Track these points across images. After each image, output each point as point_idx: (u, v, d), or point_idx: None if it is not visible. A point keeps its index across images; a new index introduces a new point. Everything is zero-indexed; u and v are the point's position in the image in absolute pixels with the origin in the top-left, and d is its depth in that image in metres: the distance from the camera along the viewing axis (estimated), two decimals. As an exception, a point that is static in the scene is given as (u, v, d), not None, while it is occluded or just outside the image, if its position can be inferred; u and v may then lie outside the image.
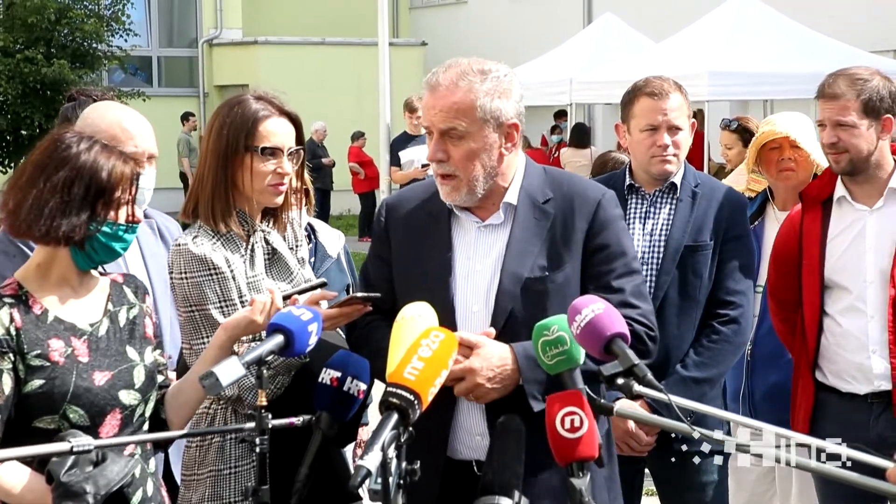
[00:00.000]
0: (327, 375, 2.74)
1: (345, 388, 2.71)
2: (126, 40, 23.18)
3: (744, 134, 7.57)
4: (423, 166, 13.05)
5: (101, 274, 3.15)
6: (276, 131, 3.46)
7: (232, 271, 3.41)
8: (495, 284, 3.30)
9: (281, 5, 27.45)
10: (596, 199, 3.38)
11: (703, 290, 4.20)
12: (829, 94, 4.09)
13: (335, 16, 26.87)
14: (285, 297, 3.23)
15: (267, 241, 3.53)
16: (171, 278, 3.45)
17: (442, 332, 2.61)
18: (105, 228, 2.98)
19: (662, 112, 4.21)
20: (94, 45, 22.44)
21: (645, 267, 4.16)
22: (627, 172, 4.37)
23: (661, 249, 4.21)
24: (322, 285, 3.37)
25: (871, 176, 4.11)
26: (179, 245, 3.43)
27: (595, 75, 16.37)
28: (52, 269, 3.01)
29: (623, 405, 2.84)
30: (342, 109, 23.60)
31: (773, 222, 4.73)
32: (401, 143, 13.32)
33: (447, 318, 3.22)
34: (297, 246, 3.66)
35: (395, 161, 13.23)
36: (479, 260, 3.36)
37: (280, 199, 3.51)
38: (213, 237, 3.44)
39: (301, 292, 3.34)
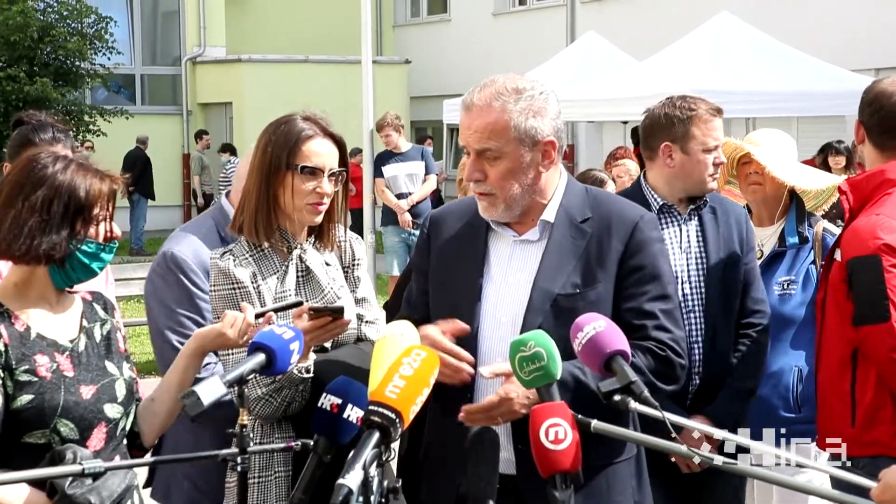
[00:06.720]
0: (328, 401, 2.72)
1: (344, 416, 2.70)
2: (109, 58, 23.16)
3: None
4: (400, 195, 13.04)
5: (69, 291, 3.16)
6: (319, 151, 3.51)
7: (258, 286, 3.46)
8: (525, 298, 3.31)
9: (264, 23, 27.47)
10: (634, 221, 3.37)
11: (738, 302, 4.31)
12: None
13: (319, 33, 26.89)
14: (259, 315, 3.24)
15: (302, 260, 3.56)
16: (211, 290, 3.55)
17: (424, 351, 2.59)
18: (84, 247, 2.99)
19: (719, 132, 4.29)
20: (78, 64, 22.41)
21: (688, 285, 4.22)
22: (652, 192, 4.35)
23: (704, 267, 4.25)
24: (298, 304, 3.37)
25: None
26: (213, 258, 3.53)
27: (578, 93, 16.38)
28: (31, 287, 3.02)
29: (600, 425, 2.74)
30: (326, 127, 23.53)
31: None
32: (384, 158, 13.36)
33: (473, 327, 3.27)
34: (354, 265, 3.71)
35: (378, 174, 13.27)
36: (513, 273, 3.38)
37: (319, 219, 3.55)
38: (250, 252, 3.50)
39: (276, 310, 3.34)
